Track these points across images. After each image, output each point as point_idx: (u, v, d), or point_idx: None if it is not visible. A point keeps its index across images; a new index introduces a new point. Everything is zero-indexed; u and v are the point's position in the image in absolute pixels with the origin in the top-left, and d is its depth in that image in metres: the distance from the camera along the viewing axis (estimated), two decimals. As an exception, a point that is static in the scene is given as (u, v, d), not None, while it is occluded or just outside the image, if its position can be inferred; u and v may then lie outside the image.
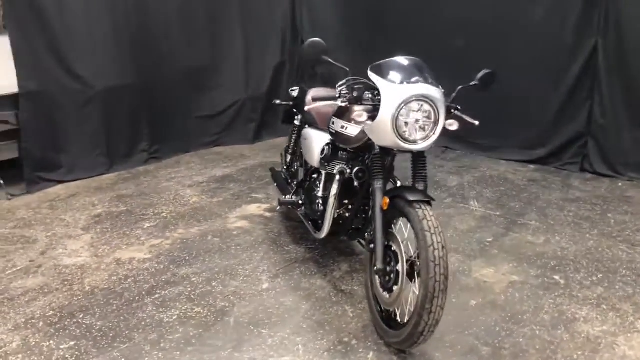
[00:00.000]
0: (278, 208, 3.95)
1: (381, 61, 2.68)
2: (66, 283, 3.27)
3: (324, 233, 3.10)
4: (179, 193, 4.69)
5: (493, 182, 4.77)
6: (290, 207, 3.60)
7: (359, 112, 2.58)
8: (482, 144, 5.40)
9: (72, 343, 2.71)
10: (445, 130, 2.57)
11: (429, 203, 2.48)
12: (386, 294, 2.61)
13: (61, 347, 2.68)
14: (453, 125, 2.65)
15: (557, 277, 3.20)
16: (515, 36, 5.01)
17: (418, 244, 2.40)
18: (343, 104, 2.68)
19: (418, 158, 2.71)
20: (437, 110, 2.52)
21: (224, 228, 3.96)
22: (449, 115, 2.68)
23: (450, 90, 2.73)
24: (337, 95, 2.69)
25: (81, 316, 2.93)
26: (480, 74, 2.86)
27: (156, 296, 3.09)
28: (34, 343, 2.71)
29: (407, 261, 2.50)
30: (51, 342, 2.72)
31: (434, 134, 2.56)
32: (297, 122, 3.87)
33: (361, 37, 6.00)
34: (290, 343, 2.66)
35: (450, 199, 4.40)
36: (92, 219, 4.20)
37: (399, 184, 3.03)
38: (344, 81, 2.71)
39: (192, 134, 5.84)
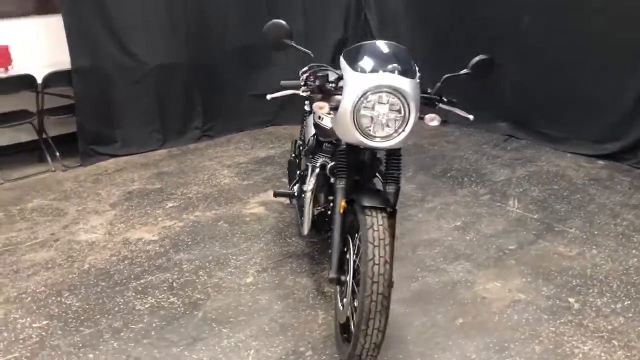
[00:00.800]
0: (275, 198, 3.77)
1: (356, 44, 2.41)
2: (70, 260, 3.36)
3: (305, 230, 2.90)
4: (215, 173, 4.67)
5: (547, 178, 4.23)
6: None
7: (320, 103, 2.34)
8: (549, 134, 4.82)
9: (44, 322, 2.77)
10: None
11: (385, 210, 2.19)
12: (340, 306, 2.38)
13: (34, 325, 2.75)
14: (434, 121, 2.33)
15: (571, 300, 2.76)
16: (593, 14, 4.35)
17: (360, 256, 2.14)
18: (304, 94, 2.44)
19: (391, 157, 2.43)
20: (407, 104, 2.21)
21: (238, 214, 3.88)
22: (430, 109, 2.36)
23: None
24: (302, 84, 2.46)
25: (66, 295, 3.00)
26: (474, 60, 2.47)
27: (141, 281, 3.09)
28: (12, 318, 2.81)
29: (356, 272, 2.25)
30: (28, 319, 2.81)
31: (403, 130, 2.26)
32: (306, 108, 3.64)
33: (428, 12, 5.56)
34: (245, 347, 2.53)
35: (488, 196, 3.97)
36: (124, 195, 4.30)
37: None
38: (306, 68, 2.47)
39: (246, 113, 5.79)
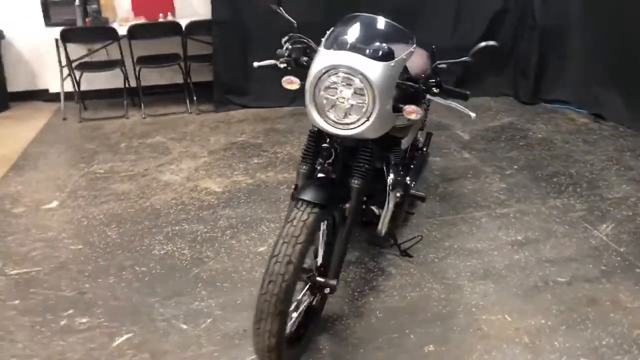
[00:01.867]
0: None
1: (348, 16, 2.17)
2: (140, 196, 3.69)
3: None
4: (318, 137, 4.63)
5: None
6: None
7: (289, 78, 2.16)
8: None
9: (79, 246, 3.11)
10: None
11: (317, 206, 1.97)
12: None
13: (70, 247, 3.10)
14: (413, 114, 2.01)
15: (585, 363, 2.19)
16: None
17: None
18: (281, 66, 2.27)
19: (362, 148, 2.16)
20: (372, 89, 1.93)
21: (306, 181, 3.81)
22: (414, 100, 2.04)
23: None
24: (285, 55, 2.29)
25: (113, 227, 3.30)
26: (477, 47, 2.04)
27: (176, 228, 3.26)
28: (61, 237, 3.20)
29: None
30: (70, 240, 3.17)
31: (367, 119, 1.99)
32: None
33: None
34: (206, 314, 2.53)
35: (581, 213, 3.28)
36: (226, 145, 4.52)
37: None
38: (286, 37, 2.28)
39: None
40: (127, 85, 5.51)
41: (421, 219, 3.26)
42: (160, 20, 5.37)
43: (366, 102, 1.99)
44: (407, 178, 2.92)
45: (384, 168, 2.50)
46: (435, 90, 2.09)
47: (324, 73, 2.01)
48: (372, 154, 2.17)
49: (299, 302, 2.17)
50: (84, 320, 2.51)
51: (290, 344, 2.13)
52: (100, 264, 2.94)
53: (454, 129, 4.73)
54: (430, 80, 2.13)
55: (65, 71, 5.31)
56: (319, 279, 2.15)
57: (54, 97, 5.64)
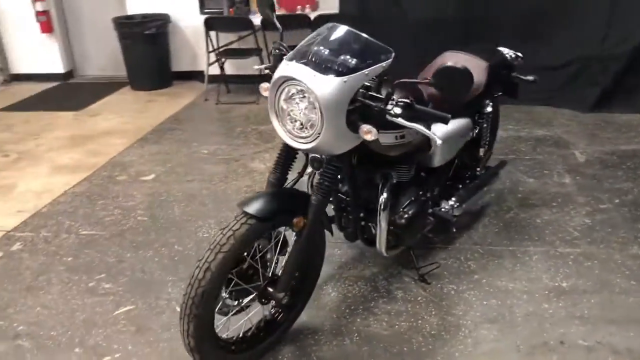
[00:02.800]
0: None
1: (323, 26, 2.10)
2: (223, 179, 3.94)
3: None
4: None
5: None
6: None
7: (265, 84, 2.16)
8: None
9: (145, 218, 3.45)
10: None
11: (253, 217, 1.96)
12: None
13: (138, 217, 3.47)
14: (368, 135, 1.91)
15: None
16: None
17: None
18: (265, 72, 2.26)
19: (325, 163, 2.09)
20: (320, 104, 1.87)
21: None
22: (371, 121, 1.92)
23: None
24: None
25: (182, 204, 3.60)
26: (438, 68, 1.84)
27: (231, 215, 3.43)
28: (135, 208, 3.59)
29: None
30: (143, 211, 3.54)
31: (318, 134, 1.93)
32: None
33: None
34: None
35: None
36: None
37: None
38: (275, 43, 2.26)
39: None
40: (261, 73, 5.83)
41: (467, 244, 2.99)
42: (298, 12, 5.58)
43: (315, 117, 1.91)
44: (447, 202, 2.74)
45: (381, 185, 2.36)
46: (393, 112, 1.91)
47: (283, 83, 1.97)
48: (336, 171, 2.08)
49: (245, 308, 2.17)
50: (107, 285, 2.81)
51: (237, 348, 2.16)
52: (150, 237, 3.24)
53: (573, 148, 4.17)
54: (401, 100, 1.95)
55: (213, 56, 5.82)
56: (269, 289, 2.14)
57: (209, 79, 6.19)
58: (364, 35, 2.00)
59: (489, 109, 2.90)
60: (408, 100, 1.93)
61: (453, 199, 2.85)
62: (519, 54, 3.08)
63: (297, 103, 1.95)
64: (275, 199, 2.06)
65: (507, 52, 3.07)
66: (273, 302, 2.19)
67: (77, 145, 4.71)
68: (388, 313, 2.51)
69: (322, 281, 2.73)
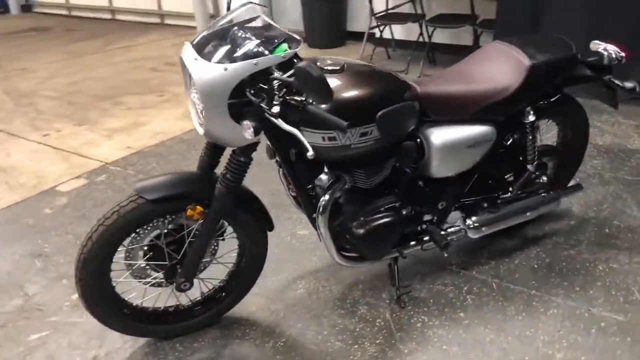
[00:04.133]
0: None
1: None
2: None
3: None
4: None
5: None
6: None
7: None
8: None
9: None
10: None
11: (152, 201, 1.93)
12: None
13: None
14: (246, 132, 1.76)
15: None
16: None
17: None
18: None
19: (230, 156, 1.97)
20: (197, 90, 1.77)
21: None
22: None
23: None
24: None
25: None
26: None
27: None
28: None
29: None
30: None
31: (204, 122, 1.83)
32: None
33: None
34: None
35: None
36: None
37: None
38: None
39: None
40: (421, 40, 5.50)
41: (485, 274, 2.51)
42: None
43: (199, 104, 1.78)
44: (464, 220, 2.41)
45: (327, 187, 2.10)
46: (271, 111, 1.66)
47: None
48: (239, 165, 1.91)
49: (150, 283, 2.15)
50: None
51: (147, 319, 2.19)
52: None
53: None
54: (292, 99, 1.68)
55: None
56: (179, 271, 2.10)
57: (380, 42, 6.03)
58: (270, 21, 1.78)
59: (531, 117, 2.32)
60: (298, 99, 1.67)
61: (473, 218, 2.40)
62: (622, 54, 2.39)
63: (193, 87, 1.83)
64: (175, 183, 1.98)
65: (604, 48, 2.41)
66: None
67: None
68: (333, 327, 2.27)
69: (304, 273, 2.59)
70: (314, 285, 2.52)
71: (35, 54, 6.98)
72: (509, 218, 2.49)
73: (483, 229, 2.42)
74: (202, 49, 1.77)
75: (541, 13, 4.42)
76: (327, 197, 2.08)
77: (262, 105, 1.70)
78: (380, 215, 2.20)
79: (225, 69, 1.69)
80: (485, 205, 2.47)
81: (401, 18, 5.53)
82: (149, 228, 2.02)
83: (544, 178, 2.60)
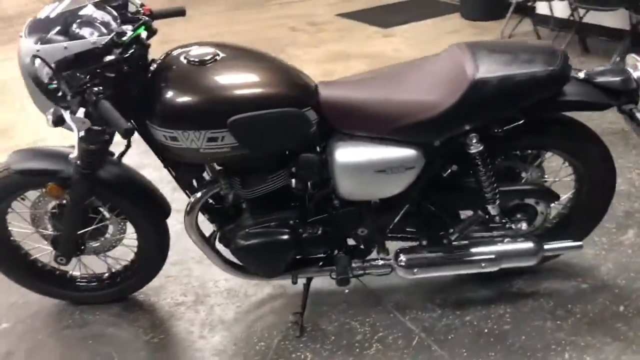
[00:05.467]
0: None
1: None
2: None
3: None
4: None
5: None
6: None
7: None
8: None
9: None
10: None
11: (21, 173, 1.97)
12: None
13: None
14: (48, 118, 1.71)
15: None
16: None
17: None
18: None
19: None
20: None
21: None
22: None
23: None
24: None
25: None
26: None
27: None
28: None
29: None
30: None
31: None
32: None
33: None
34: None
35: None
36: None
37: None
38: None
39: None
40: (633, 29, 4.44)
41: (416, 323, 2.08)
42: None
43: None
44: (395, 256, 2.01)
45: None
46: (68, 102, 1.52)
47: None
48: (85, 152, 1.77)
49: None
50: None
51: (56, 282, 2.27)
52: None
53: None
54: (95, 92, 1.51)
55: None
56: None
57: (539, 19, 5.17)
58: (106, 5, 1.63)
59: (476, 147, 1.79)
60: (96, 92, 1.52)
61: (406, 255, 2.00)
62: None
63: None
64: (43, 158, 1.96)
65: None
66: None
67: (332, 60, 4.82)
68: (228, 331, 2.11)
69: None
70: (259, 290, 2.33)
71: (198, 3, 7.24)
72: (451, 265, 2.00)
73: (415, 270, 1.99)
74: (32, 22, 1.69)
75: None
76: (197, 195, 1.89)
77: (53, 92, 1.57)
78: (269, 230, 1.93)
79: (38, 51, 1.59)
80: (425, 243, 2.02)
81: (602, 3, 4.45)
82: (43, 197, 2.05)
83: (523, 225, 2.02)
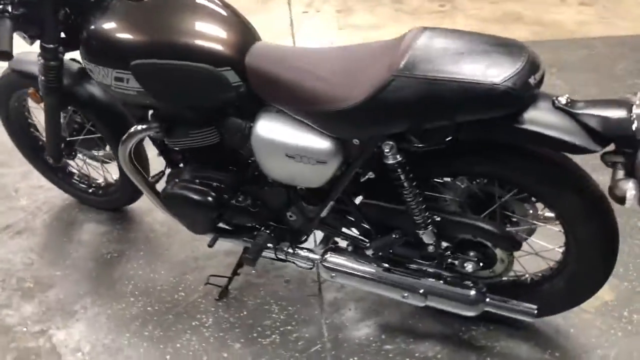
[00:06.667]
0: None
1: None
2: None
3: None
4: None
5: None
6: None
7: None
8: None
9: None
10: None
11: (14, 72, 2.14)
12: None
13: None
14: None
15: None
16: None
17: None
18: None
19: None
20: None
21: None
22: None
23: None
24: None
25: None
26: None
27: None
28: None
29: None
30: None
31: None
32: None
33: None
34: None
35: None
36: None
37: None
38: None
39: None
40: None
41: (332, 331, 1.87)
42: None
43: None
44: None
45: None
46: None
47: None
48: (45, 67, 1.84)
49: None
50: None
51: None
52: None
53: None
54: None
55: None
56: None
57: None
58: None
59: (393, 157, 1.46)
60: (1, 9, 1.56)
61: (331, 254, 1.79)
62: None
63: None
64: (35, 62, 2.07)
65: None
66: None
67: (495, 22, 4.20)
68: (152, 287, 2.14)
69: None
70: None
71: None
72: (371, 283, 1.72)
73: (333, 274, 1.76)
74: None
75: None
76: (132, 130, 1.84)
77: None
78: (195, 187, 1.84)
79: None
80: (350, 249, 1.76)
81: None
82: None
83: (469, 266, 1.63)
